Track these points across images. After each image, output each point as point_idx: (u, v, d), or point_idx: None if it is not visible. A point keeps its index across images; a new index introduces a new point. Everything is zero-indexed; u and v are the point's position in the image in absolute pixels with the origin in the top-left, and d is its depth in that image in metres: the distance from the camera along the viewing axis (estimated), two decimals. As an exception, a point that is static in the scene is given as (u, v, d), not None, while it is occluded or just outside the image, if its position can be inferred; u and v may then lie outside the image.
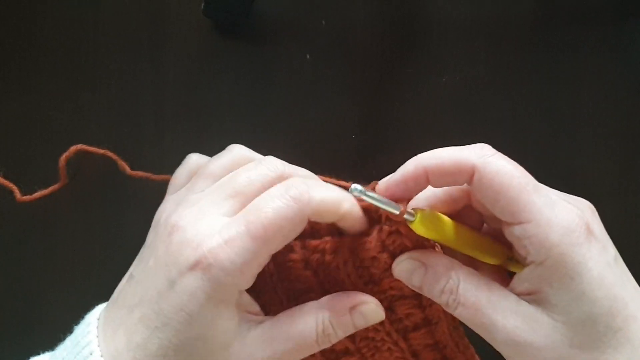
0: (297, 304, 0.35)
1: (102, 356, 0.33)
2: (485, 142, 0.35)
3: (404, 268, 0.35)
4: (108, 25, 0.51)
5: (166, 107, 0.51)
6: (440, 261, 0.34)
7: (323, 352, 0.38)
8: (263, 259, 0.32)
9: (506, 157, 0.34)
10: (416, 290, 0.35)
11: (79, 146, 0.48)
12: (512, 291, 0.33)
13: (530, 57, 0.51)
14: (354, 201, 0.35)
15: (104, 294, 0.38)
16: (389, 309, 0.37)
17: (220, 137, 0.51)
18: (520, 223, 0.31)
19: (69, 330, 0.37)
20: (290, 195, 0.32)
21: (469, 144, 0.35)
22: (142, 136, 0.51)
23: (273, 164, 0.35)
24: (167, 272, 0.32)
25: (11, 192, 0.48)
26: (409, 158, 0.35)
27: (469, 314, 0.33)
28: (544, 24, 0.51)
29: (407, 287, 0.35)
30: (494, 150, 0.34)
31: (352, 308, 0.34)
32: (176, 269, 0.32)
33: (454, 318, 0.39)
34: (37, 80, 0.51)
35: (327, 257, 0.35)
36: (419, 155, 0.35)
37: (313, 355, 0.36)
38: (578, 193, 0.37)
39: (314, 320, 0.34)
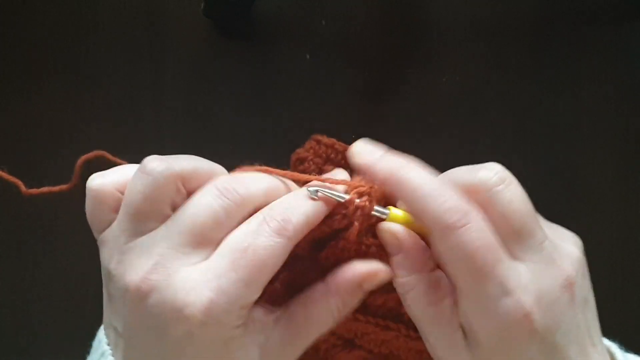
0: (295, 287, 0.35)
1: None
2: (485, 142, 0.35)
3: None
4: (108, 25, 0.51)
5: (166, 107, 0.51)
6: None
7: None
8: (254, 298, 0.31)
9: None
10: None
11: (101, 152, 0.47)
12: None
13: (530, 57, 0.51)
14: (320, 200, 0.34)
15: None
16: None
17: (220, 136, 0.51)
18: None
19: (67, 331, 0.37)
20: (275, 230, 0.31)
21: (469, 144, 0.35)
22: (142, 136, 0.51)
23: (231, 193, 0.31)
24: (159, 342, 0.30)
25: (17, 188, 0.48)
26: (409, 158, 0.35)
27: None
28: (544, 25, 0.51)
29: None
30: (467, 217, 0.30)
31: (361, 283, 0.34)
32: (167, 340, 0.30)
33: None
34: (37, 81, 0.51)
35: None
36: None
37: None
38: (578, 193, 0.37)
39: (328, 309, 0.33)
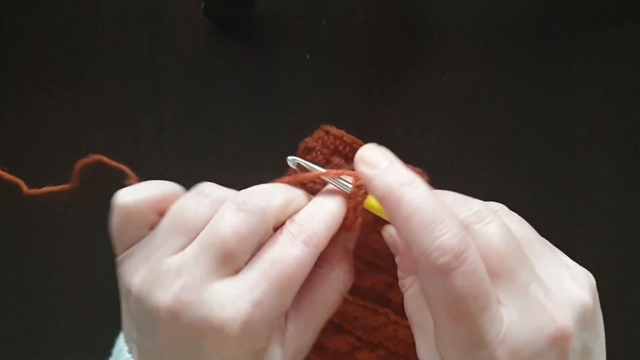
0: None
1: None
2: (485, 142, 0.34)
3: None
4: (108, 25, 0.51)
5: (166, 107, 0.51)
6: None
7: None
8: (286, 308, 0.32)
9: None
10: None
11: (99, 157, 0.47)
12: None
13: (530, 57, 0.51)
14: (340, 202, 0.34)
15: (105, 297, 0.38)
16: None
17: (220, 136, 0.51)
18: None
19: (69, 332, 0.37)
20: (303, 242, 0.31)
21: (469, 144, 0.34)
22: (142, 136, 0.51)
23: (251, 207, 0.31)
24: (191, 357, 0.30)
25: (18, 187, 0.48)
26: (409, 158, 0.35)
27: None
28: (544, 24, 0.51)
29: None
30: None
31: (343, 242, 0.36)
32: (201, 355, 0.30)
33: None
34: (37, 81, 0.51)
35: None
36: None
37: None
38: (578, 193, 0.37)
39: (330, 285, 0.34)
